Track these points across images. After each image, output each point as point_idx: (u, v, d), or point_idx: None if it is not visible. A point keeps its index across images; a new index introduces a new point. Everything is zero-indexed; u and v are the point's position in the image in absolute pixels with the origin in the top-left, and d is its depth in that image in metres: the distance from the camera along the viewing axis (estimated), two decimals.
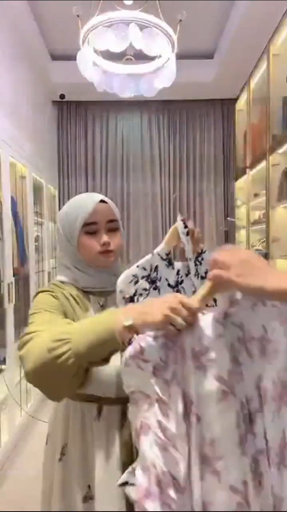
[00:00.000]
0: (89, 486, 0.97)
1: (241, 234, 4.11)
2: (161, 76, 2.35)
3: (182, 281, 0.96)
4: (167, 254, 0.98)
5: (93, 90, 2.46)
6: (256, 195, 3.55)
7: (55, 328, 0.79)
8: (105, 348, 0.73)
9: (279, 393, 0.64)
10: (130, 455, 0.89)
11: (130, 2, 2.10)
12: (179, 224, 0.95)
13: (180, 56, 2.33)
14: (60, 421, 1.03)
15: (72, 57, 2.23)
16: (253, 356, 0.66)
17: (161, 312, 0.67)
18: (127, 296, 0.89)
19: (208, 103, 4.50)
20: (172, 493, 0.62)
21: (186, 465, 0.62)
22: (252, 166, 3.57)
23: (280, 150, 2.84)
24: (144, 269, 0.94)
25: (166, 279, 0.97)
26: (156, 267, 0.95)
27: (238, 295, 0.66)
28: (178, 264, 0.99)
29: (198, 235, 0.97)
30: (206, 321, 0.67)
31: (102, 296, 1.03)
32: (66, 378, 0.74)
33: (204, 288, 0.68)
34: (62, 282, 1.03)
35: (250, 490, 0.62)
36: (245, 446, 0.63)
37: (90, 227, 0.97)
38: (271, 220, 2.97)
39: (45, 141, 4.06)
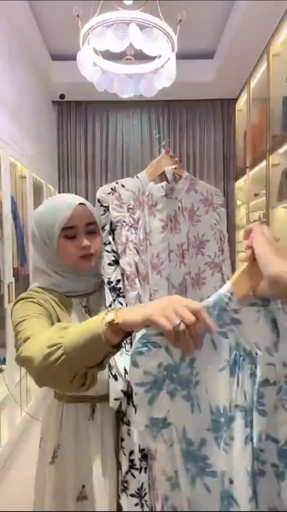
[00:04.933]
0: (83, 486, 0.97)
1: (242, 234, 4.11)
2: (161, 76, 2.35)
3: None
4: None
5: (93, 90, 2.46)
6: (256, 195, 3.55)
7: (50, 333, 0.77)
8: (94, 353, 0.71)
9: (197, 244, 1.19)
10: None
11: (130, 2, 2.10)
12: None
13: (180, 56, 2.32)
14: (52, 423, 1.03)
15: (72, 57, 2.22)
16: (185, 219, 1.17)
17: (159, 311, 0.61)
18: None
19: (208, 103, 4.49)
20: (137, 281, 1.03)
21: (143, 268, 1.07)
22: (252, 166, 3.57)
23: (280, 150, 2.84)
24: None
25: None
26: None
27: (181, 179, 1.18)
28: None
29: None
30: (156, 187, 1.12)
31: (84, 296, 1.03)
32: (66, 381, 0.73)
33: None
34: (42, 288, 0.99)
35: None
36: (180, 259, 1.16)
37: (68, 231, 0.95)
38: (271, 220, 2.97)
39: (45, 141, 4.05)
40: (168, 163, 1.15)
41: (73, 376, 0.72)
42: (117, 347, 0.70)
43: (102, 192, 1.06)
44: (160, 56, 2.30)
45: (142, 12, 1.95)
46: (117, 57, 2.32)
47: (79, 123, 4.55)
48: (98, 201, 1.05)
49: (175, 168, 1.15)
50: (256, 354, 0.60)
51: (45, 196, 3.80)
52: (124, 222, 1.04)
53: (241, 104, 4.12)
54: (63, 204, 0.96)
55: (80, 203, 0.97)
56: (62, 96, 4.28)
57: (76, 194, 1.07)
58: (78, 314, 0.99)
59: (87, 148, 4.57)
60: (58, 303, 0.97)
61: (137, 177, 1.15)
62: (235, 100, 4.29)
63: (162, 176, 1.15)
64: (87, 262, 0.97)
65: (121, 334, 0.68)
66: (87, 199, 1.02)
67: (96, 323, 0.70)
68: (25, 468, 2.28)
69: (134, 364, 0.62)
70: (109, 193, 1.06)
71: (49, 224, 0.95)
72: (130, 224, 1.04)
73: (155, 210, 1.11)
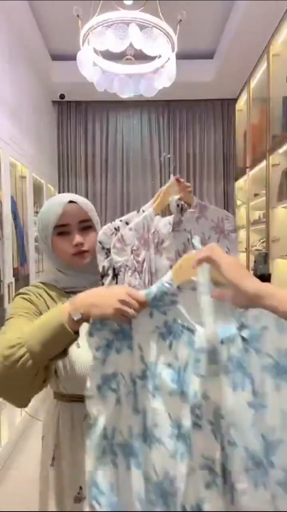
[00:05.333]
0: (80, 487, 0.97)
1: (241, 234, 4.11)
2: (161, 76, 2.35)
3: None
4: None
5: (93, 90, 2.47)
6: (256, 195, 3.55)
7: (8, 335, 0.79)
8: (59, 343, 0.77)
9: None
10: None
11: (130, 2, 2.10)
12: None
13: (180, 56, 2.33)
14: (50, 423, 1.03)
15: (72, 57, 2.23)
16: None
17: (111, 305, 0.73)
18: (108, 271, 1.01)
19: (208, 103, 4.49)
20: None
21: None
22: (252, 166, 3.57)
23: (280, 150, 2.84)
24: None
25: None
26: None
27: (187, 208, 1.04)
28: (162, 222, 1.07)
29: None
30: (163, 223, 1.04)
31: None
32: (27, 380, 0.76)
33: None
34: (43, 283, 1.03)
35: None
36: None
37: (61, 229, 0.97)
38: (271, 220, 2.97)
39: (45, 141, 4.06)
40: (175, 191, 1.05)
41: (35, 373, 0.76)
42: (77, 332, 0.79)
43: (104, 234, 1.01)
44: (160, 56, 2.30)
45: (142, 12, 1.95)
46: (117, 57, 2.32)
47: (79, 123, 4.56)
48: (100, 243, 1.01)
49: (181, 198, 1.05)
50: (195, 327, 0.72)
51: (45, 196, 3.81)
52: (127, 266, 0.98)
53: (241, 104, 4.13)
54: (55, 202, 0.99)
55: (71, 201, 0.97)
56: (62, 96, 4.28)
57: (76, 194, 1.05)
58: None
59: (87, 148, 4.57)
60: (55, 299, 0.99)
61: (143, 211, 1.07)
62: (235, 100, 4.29)
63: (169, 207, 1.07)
64: (81, 259, 0.99)
65: (81, 321, 0.77)
66: (86, 199, 1.02)
67: (58, 314, 0.77)
68: (25, 468, 2.28)
69: (91, 334, 0.76)
70: (111, 234, 1.01)
71: (45, 223, 0.99)
72: (133, 269, 0.98)
73: (161, 248, 1.03)
